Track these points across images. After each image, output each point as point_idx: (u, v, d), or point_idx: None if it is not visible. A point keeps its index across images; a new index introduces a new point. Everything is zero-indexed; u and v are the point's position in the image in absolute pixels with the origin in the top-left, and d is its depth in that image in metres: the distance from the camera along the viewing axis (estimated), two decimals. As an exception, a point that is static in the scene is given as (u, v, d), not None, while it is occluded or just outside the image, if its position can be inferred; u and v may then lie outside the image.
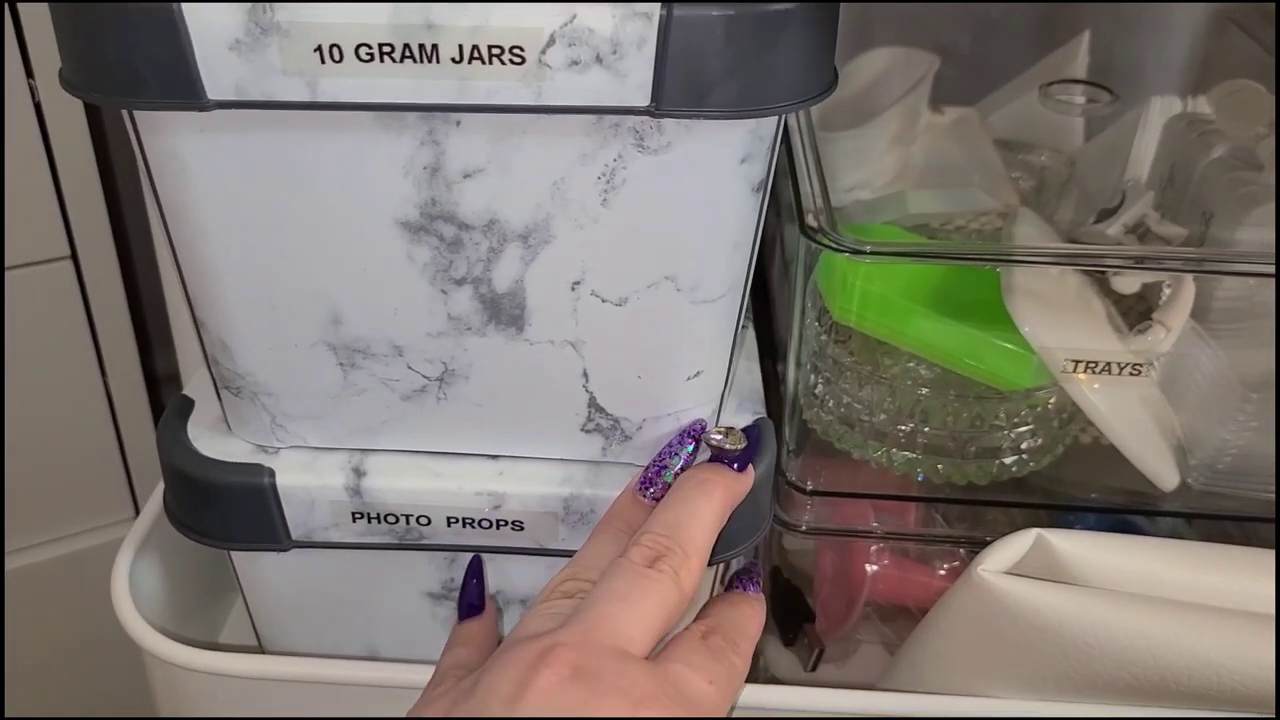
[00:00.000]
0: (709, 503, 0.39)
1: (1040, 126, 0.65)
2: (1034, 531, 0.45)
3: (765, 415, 0.48)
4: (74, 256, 0.66)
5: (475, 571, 0.46)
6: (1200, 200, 0.56)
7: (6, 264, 0.64)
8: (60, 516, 0.74)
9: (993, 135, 0.65)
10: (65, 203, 0.65)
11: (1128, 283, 0.51)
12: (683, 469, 0.43)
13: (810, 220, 0.46)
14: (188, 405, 0.47)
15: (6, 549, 0.73)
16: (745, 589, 0.42)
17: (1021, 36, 0.72)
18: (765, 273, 0.65)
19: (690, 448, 0.43)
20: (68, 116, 0.63)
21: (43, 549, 0.75)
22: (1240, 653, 0.43)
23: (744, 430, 0.44)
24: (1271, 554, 0.46)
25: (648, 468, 0.43)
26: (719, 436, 0.43)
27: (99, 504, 0.74)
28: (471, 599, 0.45)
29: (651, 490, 0.42)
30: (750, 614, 0.40)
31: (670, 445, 0.43)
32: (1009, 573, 0.45)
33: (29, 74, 0.61)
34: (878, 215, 0.58)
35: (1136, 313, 0.51)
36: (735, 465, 0.42)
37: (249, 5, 0.34)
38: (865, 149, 0.61)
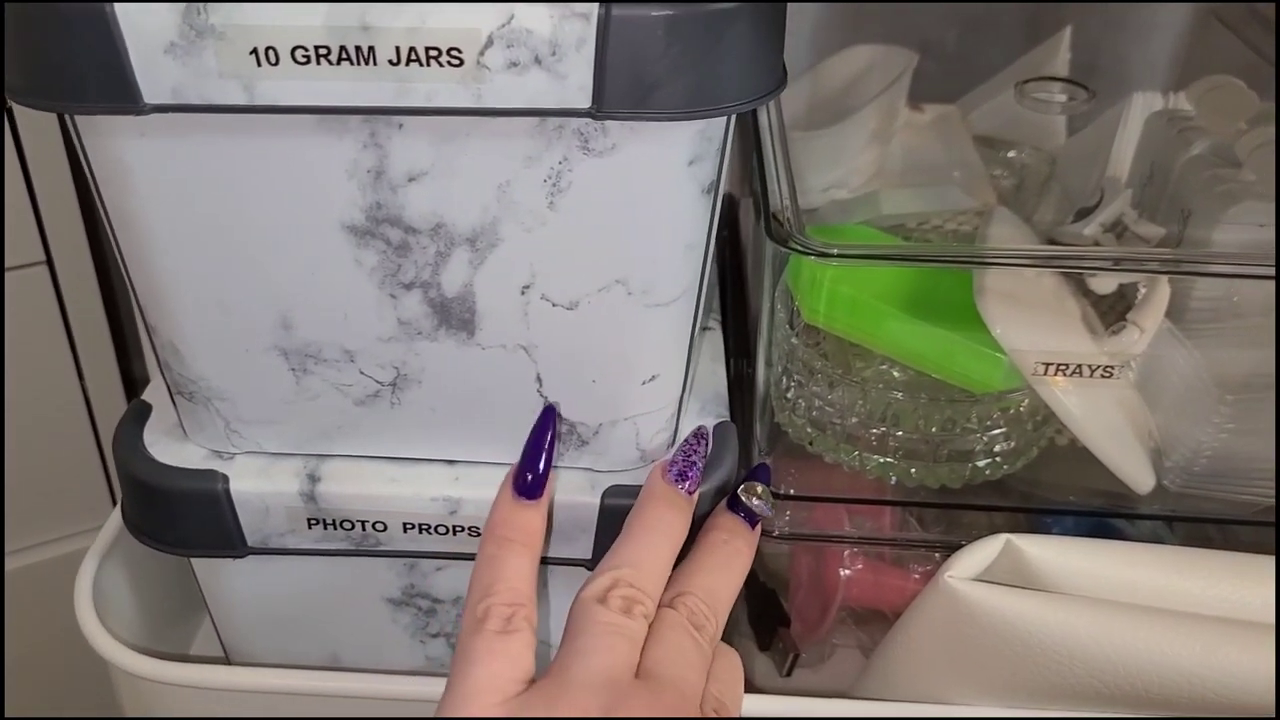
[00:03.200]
0: (738, 578, 0.42)
1: (1021, 124, 0.65)
2: (1003, 537, 0.44)
3: (728, 418, 0.48)
4: (49, 262, 0.66)
5: (547, 429, 0.41)
6: (1179, 198, 0.55)
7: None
8: (39, 522, 0.74)
9: (974, 132, 0.65)
10: (39, 208, 0.64)
11: (1104, 283, 0.50)
12: (701, 470, 0.43)
13: (777, 222, 0.45)
14: (145, 410, 0.47)
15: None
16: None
17: (1007, 33, 0.71)
18: (740, 271, 0.64)
19: (704, 450, 0.44)
20: (40, 122, 0.63)
21: (23, 555, 0.74)
22: (1210, 659, 0.42)
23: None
24: (1248, 557, 0.45)
25: (673, 460, 0.42)
26: (759, 502, 0.44)
27: (78, 508, 0.74)
28: (535, 474, 0.40)
29: (686, 483, 0.42)
30: (738, 671, 0.41)
31: (688, 443, 0.43)
32: (977, 579, 0.44)
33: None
34: (852, 215, 0.57)
35: (1115, 312, 0.50)
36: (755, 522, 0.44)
37: (183, 7, 0.33)
38: (841, 147, 0.60)
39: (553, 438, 0.41)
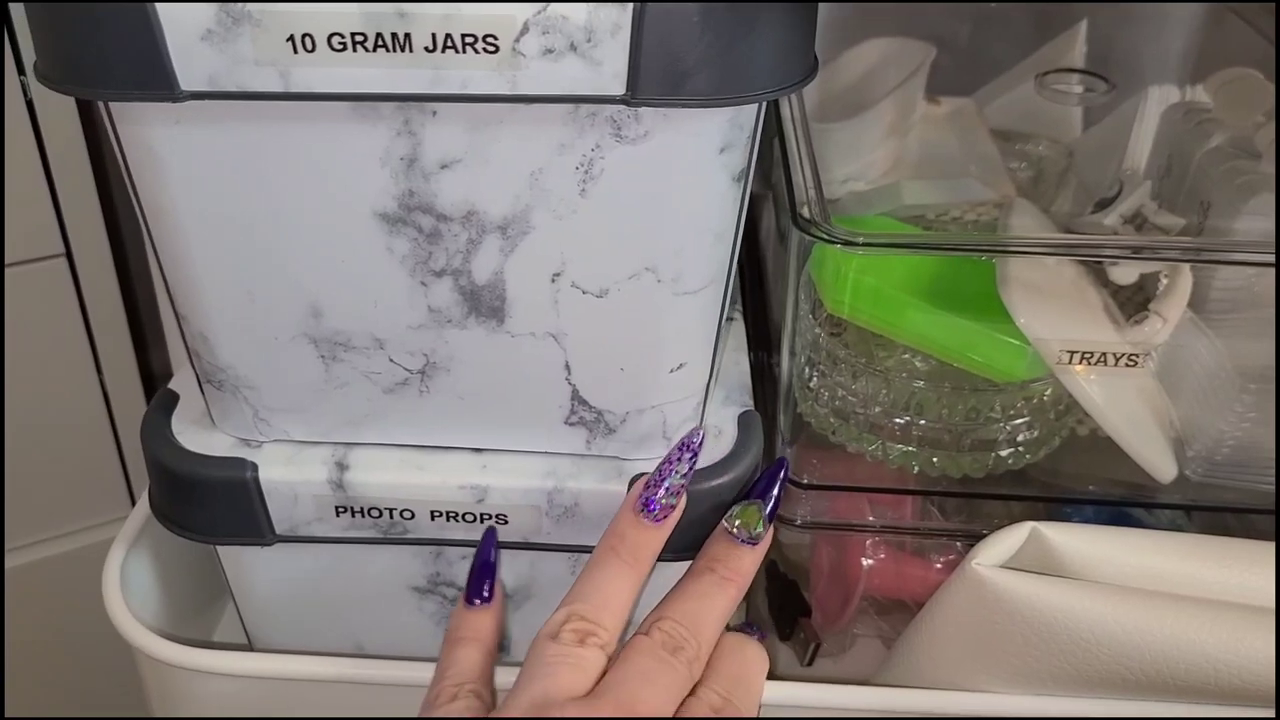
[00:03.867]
0: (725, 601, 0.40)
1: (1038, 116, 0.65)
2: (1028, 525, 0.44)
3: (752, 408, 0.48)
4: (68, 254, 0.66)
5: (489, 549, 0.44)
6: (1198, 190, 0.55)
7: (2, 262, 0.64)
8: (57, 514, 0.74)
9: (990, 125, 0.65)
10: (59, 200, 0.65)
11: (1125, 273, 0.50)
12: (682, 487, 0.42)
13: (803, 211, 0.46)
14: (172, 399, 0.47)
15: (4, 547, 0.73)
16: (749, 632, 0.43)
17: (1020, 27, 0.71)
18: (761, 263, 0.64)
19: (689, 461, 0.42)
20: (60, 113, 0.63)
21: (41, 547, 0.75)
22: (1237, 647, 0.42)
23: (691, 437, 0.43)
24: (1268, 546, 0.45)
25: (647, 485, 0.41)
26: (740, 528, 0.42)
27: (96, 501, 0.74)
28: (481, 585, 0.43)
29: (652, 512, 0.41)
30: (755, 666, 0.41)
31: (668, 460, 0.42)
32: (1004, 566, 0.44)
33: (20, 71, 0.61)
34: (872, 206, 0.57)
35: (1134, 304, 0.51)
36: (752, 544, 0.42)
37: (220, -5, 0.33)
38: (859, 140, 0.60)
39: (496, 555, 0.44)
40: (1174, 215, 0.55)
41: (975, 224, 0.58)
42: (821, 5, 0.70)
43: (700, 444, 0.42)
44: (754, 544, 0.41)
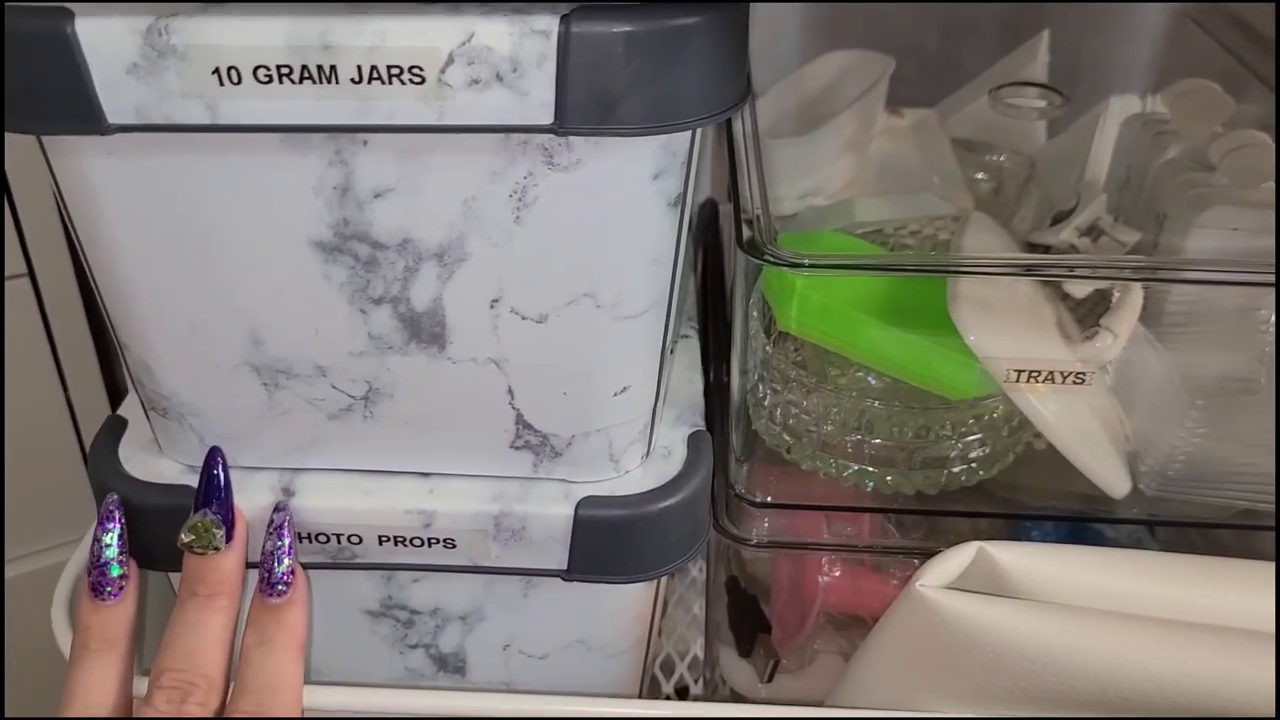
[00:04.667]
0: (220, 619, 0.40)
1: (1001, 127, 0.65)
2: (974, 545, 0.44)
3: (703, 428, 0.48)
4: (31, 274, 0.66)
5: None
6: (1155, 202, 0.55)
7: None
8: (24, 533, 0.74)
9: (953, 136, 0.65)
10: (20, 222, 0.65)
11: (1079, 287, 0.50)
12: (120, 555, 0.41)
13: (748, 232, 0.46)
14: (120, 425, 0.47)
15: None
16: (271, 595, 0.41)
17: (988, 36, 0.71)
18: (721, 276, 0.64)
19: (112, 531, 0.42)
20: (19, 136, 0.63)
21: (11, 565, 0.75)
22: (1181, 665, 0.42)
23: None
24: (1216, 561, 0.45)
25: (89, 569, 0.41)
26: (190, 538, 0.41)
27: (64, 519, 0.74)
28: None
29: (106, 589, 0.41)
30: (280, 671, 0.40)
31: (95, 539, 0.42)
32: (950, 586, 0.44)
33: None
34: (827, 222, 0.57)
35: (1095, 315, 0.51)
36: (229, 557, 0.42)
37: (144, 28, 0.33)
38: (817, 154, 0.60)
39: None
40: (1130, 228, 0.55)
41: (933, 238, 0.58)
42: (791, 14, 0.71)
43: (119, 510, 0.42)
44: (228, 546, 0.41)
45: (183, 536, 0.41)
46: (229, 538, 0.41)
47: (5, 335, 0.68)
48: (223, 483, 0.42)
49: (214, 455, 0.42)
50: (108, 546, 0.41)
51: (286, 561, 0.42)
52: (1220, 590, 0.44)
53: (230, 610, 0.41)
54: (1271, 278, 0.47)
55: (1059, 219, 0.57)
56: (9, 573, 0.75)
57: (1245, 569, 0.45)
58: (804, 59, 0.69)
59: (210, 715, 0.38)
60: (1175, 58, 0.67)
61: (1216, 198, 0.51)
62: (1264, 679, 0.41)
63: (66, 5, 0.33)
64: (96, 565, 0.41)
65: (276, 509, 0.43)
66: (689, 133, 0.37)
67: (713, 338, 0.57)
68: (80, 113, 0.34)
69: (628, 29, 0.33)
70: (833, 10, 0.72)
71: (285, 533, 0.42)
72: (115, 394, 0.73)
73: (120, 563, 0.41)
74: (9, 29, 0.33)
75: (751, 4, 0.70)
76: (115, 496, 0.42)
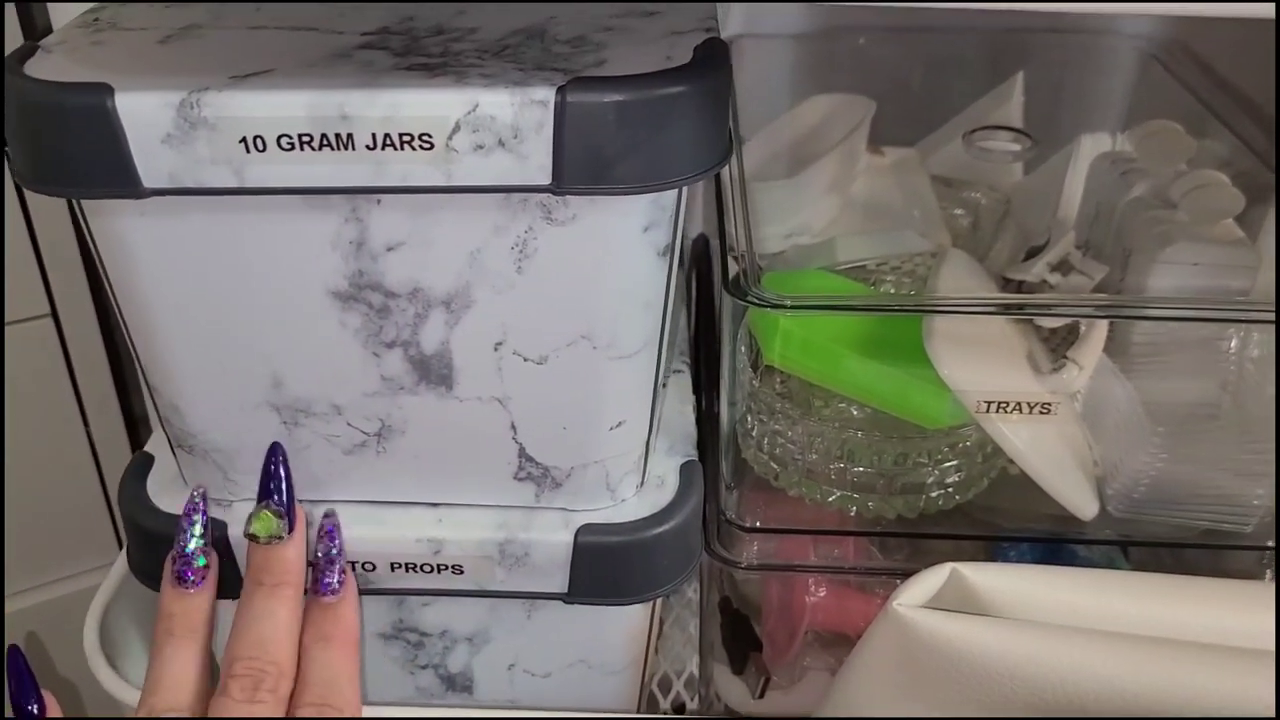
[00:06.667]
0: (286, 609, 0.42)
1: (977, 166, 0.68)
2: (948, 566, 0.47)
3: (695, 457, 0.51)
4: (54, 314, 0.69)
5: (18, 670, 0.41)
6: (1121, 238, 0.58)
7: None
8: (48, 564, 0.77)
9: (933, 174, 0.68)
10: (44, 263, 0.68)
11: (1049, 319, 0.54)
12: (204, 546, 0.43)
13: (733, 273, 0.49)
14: (148, 461, 0.50)
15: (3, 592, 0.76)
16: (325, 594, 0.43)
17: (972, 73, 0.74)
18: (713, 310, 0.67)
19: (200, 523, 0.43)
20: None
21: (34, 593, 0.77)
22: (1147, 679, 0.45)
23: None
24: (1179, 579, 0.48)
25: (173, 558, 0.43)
26: (254, 530, 0.43)
27: (85, 549, 0.77)
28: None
29: (189, 579, 0.43)
30: (340, 664, 0.42)
31: (179, 529, 0.43)
32: (926, 606, 0.47)
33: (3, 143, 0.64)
34: (812, 261, 0.60)
35: (1068, 343, 0.54)
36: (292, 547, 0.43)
37: (177, 101, 0.36)
38: (802, 196, 0.63)
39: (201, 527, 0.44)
40: (1098, 263, 0.58)
41: (912, 273, 0.61)
42: (783, 56, 0.74)
43: (204, 502, 0.44)
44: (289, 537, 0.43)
45: (247, 528, 0.43)
46: (290, 529, 0.43)
47: (28, 374, 0.70)
48: (284, 476, 0.43)
49: (275, 450, 0.44)
50: (193, 538, 0.43)
51: (339, 562, 0.44)
52: (1187, 607, 0.47)
53: (295, 599, 0.42)
54: (1225, 314, 0.51)
55: (1032, 254, 0.60)
56: (35, 599, 0.77)
57: (1211, 586, 0.48)
58: (794, 97, 0.72)
59: (280, 702, 0.40)
60: (1143, 97, 0.70)
61: (1178, 234, 0.54)
62: (1233, 691, 0.43)
63: (107, 81, 0.36)
64: (181, 555, 0.43)
65: (326, 515, 0.45)
66: (677, 189, 0.40)
67: (704, 371, 0.60)
68: (118, 178, 0.37)
69: (618, 99, 0.36)
70: (820, 50, 0.75)
71: (336, 536, 0.45)
72: (134, 427, 0.76)
73: (204, 553, 0.43)
74: (58, 103, 0.36)
75: (743, 42, 0.73)
76: (201, 490, 0.44)
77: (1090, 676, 0.44)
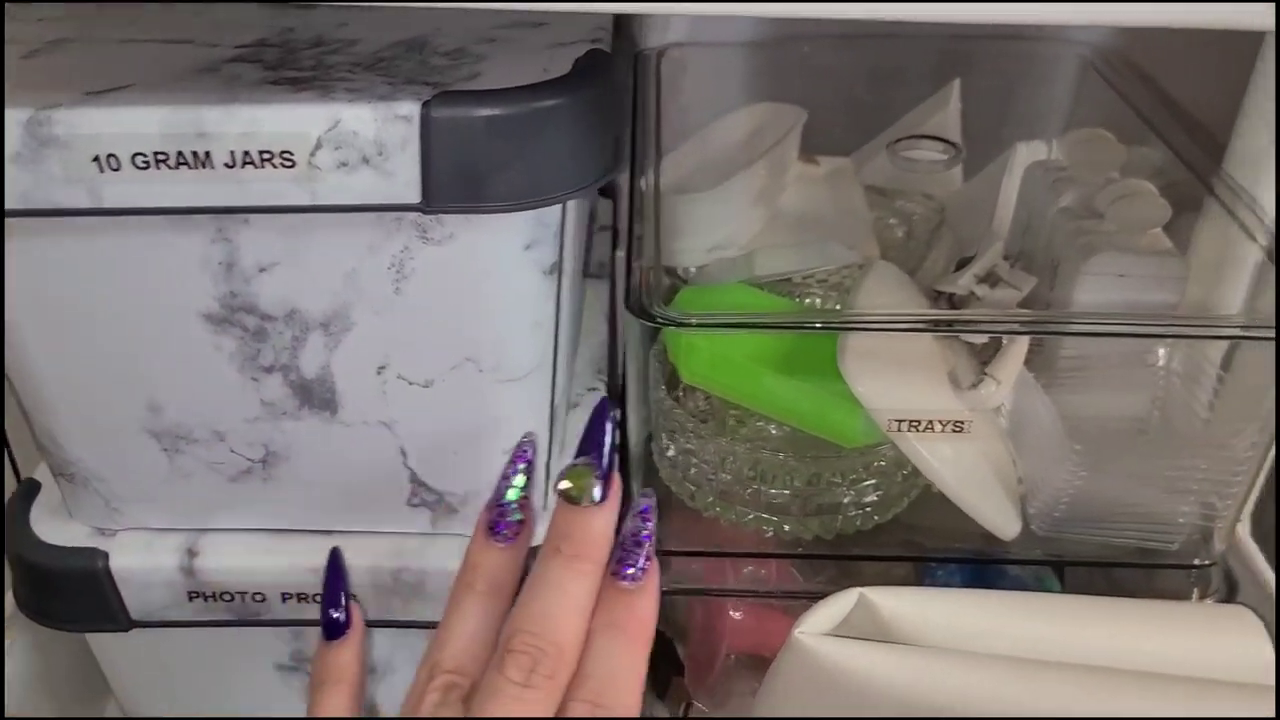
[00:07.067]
0: (580, 586, 0.37)
1: (911, 175, 0.67)
2: (855, 591, 0.46)
3: (602, 480, 0.49)
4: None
5: (336, 573, 0.42)
6: (1050, 248, 0.57)
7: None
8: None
9: (869, 183, 0.67)
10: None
11: (971, 335, 0.52)
12: (524, 498, 0.40)
13: (635, 294, 0.47)
14: (34, 489, 0.48)
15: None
16: (624, 579, 0.38)
17: (915, 81, 0.73)
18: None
19: (524, 472, 0.40)
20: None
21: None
22: (1062, 704, 0.43)
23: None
24: (1097, 601, 0.47)
25: (489, 508, 0.40)
26: (566, 484, 0.38)
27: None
28: (334, 612, 0.41)
29: (500, 533, 0.39)
30: (625, 658, 0.37)
31: (504, 476, 0.40)
32: (832, 633, 0.45)
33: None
34: (733, 274, 0.59)
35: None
36: (602, 508, 0.38)
37: (25, 120, 0.35)
38: (729, 207, 0.62)
39: (344, 582, 0.42)
40: (1027, 274, 0.57)
41: (840, 285, 0.60)
42: (732, 62, 0.72)
43: (533, 451, 0.40)
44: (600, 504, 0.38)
45: (558, 482, 0.38)
46: (604, 496, 0.38)
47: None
48: (607, 437, 0.38)
49: (603, 405, 0.39)
50: (513, 488, 0.39)
51: (647, 548, 0.39)
52: (1097, 629, 0.46)
53: (593, 577, 0.37)
54: (1150, 329, 0.50)
55: (962, 265, 0.59)
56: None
57: (1129, 608, 0.47)
58: (740, 106, 0.71)
59: (555, 692, 0.35)
60: (1081, 105, 0.69)
61: (1104, 245, 0.53)
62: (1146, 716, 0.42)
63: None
64: (498, 505, 0.39)
65: (643, 494, 0.40)
66: (559, 205, 0.39)
67: (623, 388, 0.59)
68: (-33, 201, 0.36)
69: (487, 113, 0.35)
70: (766, 58, 0.73)
71: (650, 518, 0.39)
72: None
73: (523, 507, 0.39)
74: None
75: (688, 51, 0.72)
76: (531, 438, 0.40)
77: (1011, 707, 0.43)
